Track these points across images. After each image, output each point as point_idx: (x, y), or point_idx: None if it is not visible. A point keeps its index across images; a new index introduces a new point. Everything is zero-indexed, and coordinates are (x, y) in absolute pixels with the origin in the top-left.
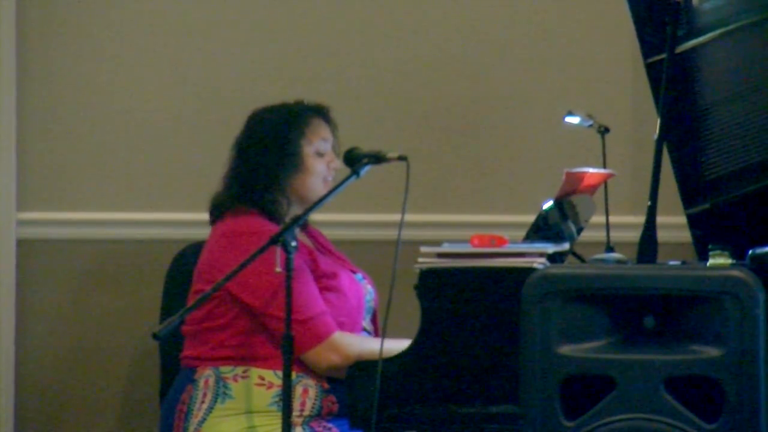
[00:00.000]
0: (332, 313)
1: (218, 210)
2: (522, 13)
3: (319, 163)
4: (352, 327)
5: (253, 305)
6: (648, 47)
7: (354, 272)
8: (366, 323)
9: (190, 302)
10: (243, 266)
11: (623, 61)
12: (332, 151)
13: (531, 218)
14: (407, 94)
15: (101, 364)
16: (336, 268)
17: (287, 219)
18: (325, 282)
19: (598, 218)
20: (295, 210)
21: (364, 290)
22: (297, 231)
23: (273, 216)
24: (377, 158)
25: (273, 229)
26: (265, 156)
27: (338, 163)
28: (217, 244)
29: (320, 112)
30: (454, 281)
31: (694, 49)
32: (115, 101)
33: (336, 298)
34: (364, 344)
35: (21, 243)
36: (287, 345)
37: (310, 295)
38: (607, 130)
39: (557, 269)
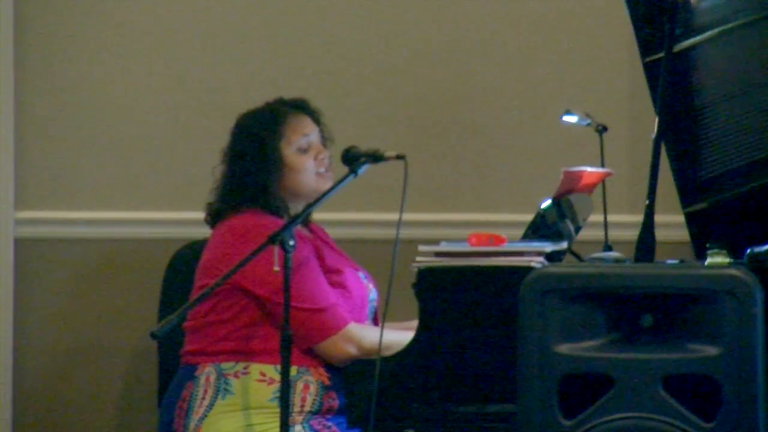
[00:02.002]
0: None
1: (215, 216)
2: (520, 12)
3: (305, 159)
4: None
5: (263, 295)
6: (646, 46)
7: (357, 270)
8: (368, 323)
9: (193, 297)
10: (240, 265)
11: (621, 59)
12: (318, 144)
13: (529, 217)
14: (405, 93)
15: (99, 362)
16: (341, 264)
17: (289, 214)
18: (330, 277)
19: (596, 217)
20: (294, 206)
21: (367, 289)
22: (300, 226)
23: (275, 212)
24: (375, 157)
25: (278, 222)
26: (247, 164)
27: (328, 153)
28: (223, 239)
29: (297, 106)
30: (452, 280)
31: (691, 47)
32: (115, 101)
33: (341, 295)
34: (378, 336)
35: (19, 242)
36: (285, 343)
37: (321, 286)
38: (605, 128)
39: (555, 268)
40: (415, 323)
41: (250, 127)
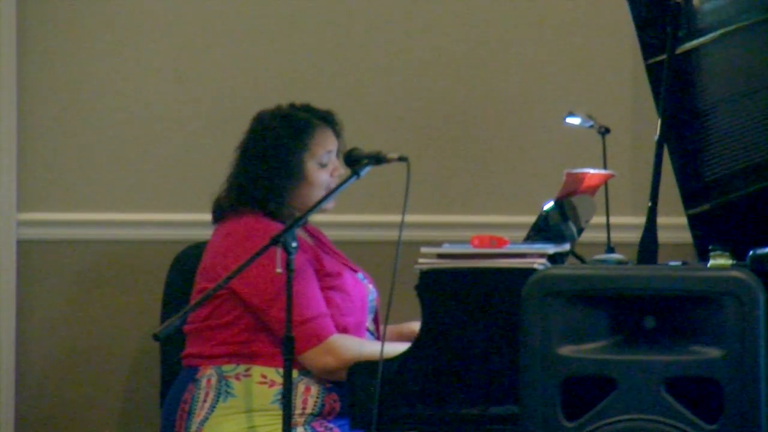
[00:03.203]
0: (337, 313)
1: (221, 211)
2: (523, 13)
3: (322, 174)
4: (356, 327)
5: (256, 305)
6: (648, 48)
7: (355, 271)
8: (369, 323)
9: (193, 301)
10: (243, 267)
11: (624, 61)
12: (336, 159)
13: (531, 219)
14: (408, 95)
15: (101, 364)
16: (340, 268)
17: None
18: (329, 281)
19: (599, 219)
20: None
21: (367, 290)
22: (301, 231)
23: (276, 217)
24: (378, 159)
25: (278, 228)
26: (266, 166)
27: (342, 170)
28: (223, 243)
29: (326, 120)
30: (454, 282)
31: (694, 49)
32: (115, 101)
33: (340, 298)
34: (363, 348)
35: (21, 243)
36: (288, 346)
37: (311, 296)
38: (607, 130)
39: (558, 270)
40: (414, 324)
41: (275, 130)
